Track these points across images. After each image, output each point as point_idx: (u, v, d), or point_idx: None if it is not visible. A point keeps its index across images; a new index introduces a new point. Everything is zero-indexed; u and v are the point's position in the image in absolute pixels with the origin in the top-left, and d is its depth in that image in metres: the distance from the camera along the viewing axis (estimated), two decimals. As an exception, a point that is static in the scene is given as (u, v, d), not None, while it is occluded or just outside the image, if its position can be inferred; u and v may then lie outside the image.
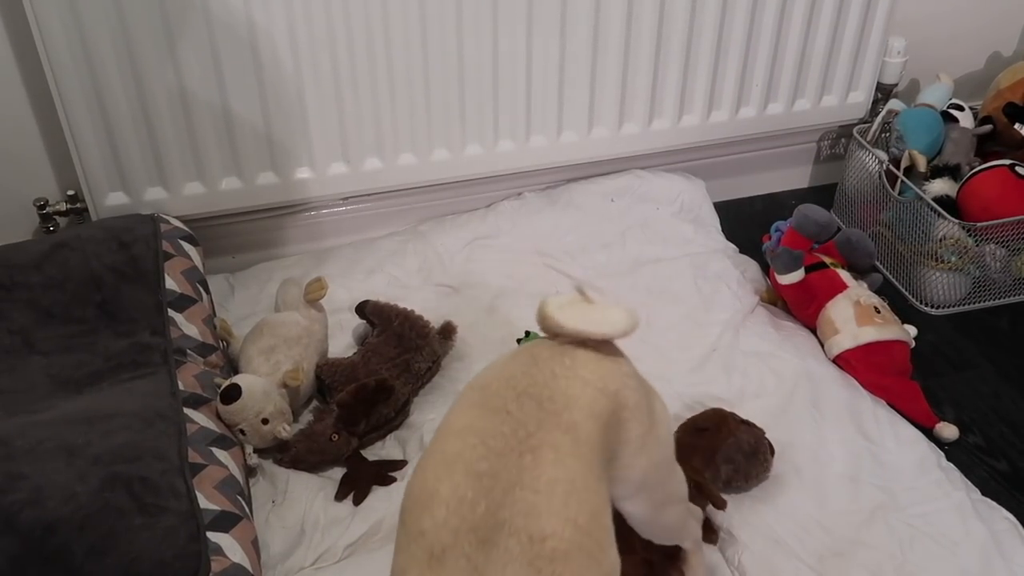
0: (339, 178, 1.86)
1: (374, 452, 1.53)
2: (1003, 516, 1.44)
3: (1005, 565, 1.35)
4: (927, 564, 1.35)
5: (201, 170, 1.77)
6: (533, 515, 0.91)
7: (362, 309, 1.70)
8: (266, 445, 1.47)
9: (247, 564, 1.22)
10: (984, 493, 1.49)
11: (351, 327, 1.74)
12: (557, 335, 1.04)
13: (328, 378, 1.58)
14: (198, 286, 1.63)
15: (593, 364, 1.03)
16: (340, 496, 1.45)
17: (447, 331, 1.69)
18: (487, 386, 1.02)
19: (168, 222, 1.70)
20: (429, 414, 1.58)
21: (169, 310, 1.54)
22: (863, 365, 1.69)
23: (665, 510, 1.16)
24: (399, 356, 1.60)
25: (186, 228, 1.72)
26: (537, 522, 0.91)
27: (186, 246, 1.67)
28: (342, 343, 1.72)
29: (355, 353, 1.64)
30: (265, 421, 1.44)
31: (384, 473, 1.48)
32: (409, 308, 1.67)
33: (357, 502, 1.44)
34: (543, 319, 1.06)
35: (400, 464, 1.50)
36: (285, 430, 1.45)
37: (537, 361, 1.02)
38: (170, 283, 1.57)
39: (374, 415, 1.51)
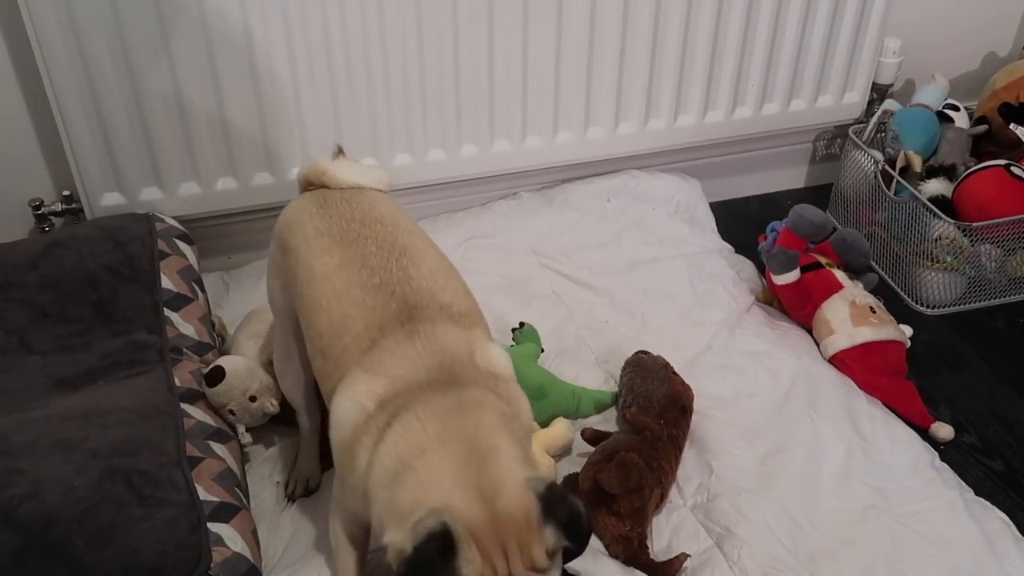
0: (335, 178, 1.86)
1: None
2: (996, 515, 1.44)
3: (997, 564, 1.35)
4: (918, 562, 1.35)
5: (196, 170, 1.77)
6: (432, 294, 1.16)
7: None
8: (257, 423, 1.48)
9: (247, 553, 1.22)
10: (979, 493, 1.49)
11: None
12: (338, 187, 1.31)
13: None
14: (194, 285, 1.63)
15: (381, 194, 1.35)
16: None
17: None
18: (326, 231, 1.24)
19: (163, 221, 1.70)
20: None
21: (165, 309, 1.54)
22: (859, 365, 1.69)
23: None
24: None
25: (181, 227, 1.72)
26: (438, 297, 1.16)
27: (181, 245, 1.67)
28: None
29: None
30: (253, 398, 1.45)
31: None
32: None
33: None
34: (319, 175, 1.32)
35: None
36: (273, 404, 1.47)
37: (348, 200, 1.29)
38: (166, 282, 1.58)
39: None
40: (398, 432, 1.02)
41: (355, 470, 1.06)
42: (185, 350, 1.50)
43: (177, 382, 1.42)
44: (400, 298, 1.15)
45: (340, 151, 1.44)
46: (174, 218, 1.74)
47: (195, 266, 1.68)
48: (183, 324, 1.55)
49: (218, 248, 1.91)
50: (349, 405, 1.08)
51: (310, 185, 1.35)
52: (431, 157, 1.90)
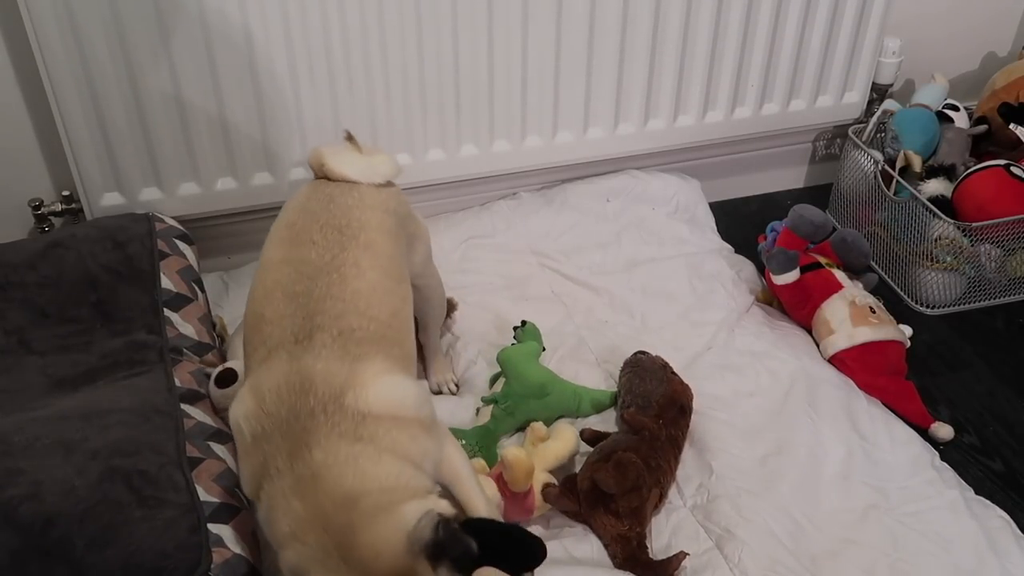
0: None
1: None
2: (997, 514, 1.44)
3: (998, 563, 1.35)
4: (920, 562, 1.35)
5: (196, 170, 1.77)
6: (340, 317, 1.14)
7: None
8: None
9: (247, 555, 1.22)
10: (979, 492, 1.50)
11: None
12: (335, 179, 1.31)
13: None
14: (193, 285, 1.63)
15: (375, 193, 1.31)
16: None
17: (447, 307, 1.71)
18: (293, 224, 1.25)
19: (163, 221, 1.70)
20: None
21: (165, 309, 1.54)
22: (858, 365, 1.69)
23: (437, 290, 1.55)
24: None
25: (181, 227, 1.72)
26: (343, 321, 1.14)
27: (181, 245, 1.67)
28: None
29: None
30: None
31: None
32: None
33: None
34: (320, 167, 1.32)
35: None
36: None
37: (333, 198, 1.27)
38: (165, 282, 1.58)
39: None
40: (269, 498, 1.04)
41: (243, 487, 1.11)
42: (185, 350, 1.50)
43: (177, 382, 1.42)
44: (308, 314, 1.14)
45: (349, 137, 1.43)
46: (174, 218, 1.74)
47: (195, 266, 1.67)
48: (183, 324, 1.54)
49: (218, 248, 1.91)
50: (233, 422, 1.12)
51: (316, 174, 1.35)
52: (431, 157, 1.90)
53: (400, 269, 1.28)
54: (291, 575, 1.01)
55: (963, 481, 1.51)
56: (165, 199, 1.77)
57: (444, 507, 1.04)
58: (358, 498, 1.01)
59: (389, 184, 1.37)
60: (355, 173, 1.33)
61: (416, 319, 1.54)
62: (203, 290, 1.67)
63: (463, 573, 0.99)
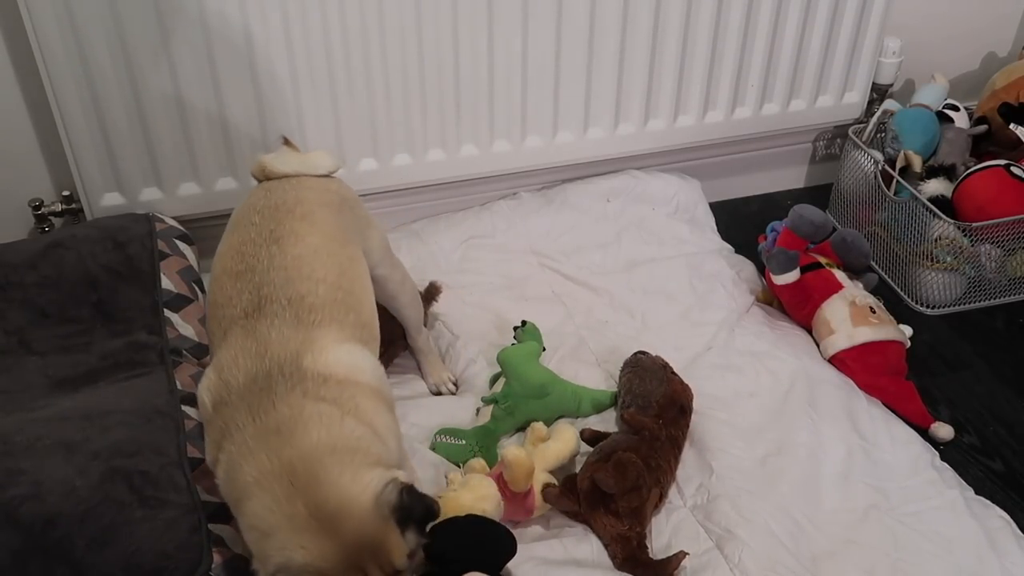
0: (335, 178, 1.87)
1: None
2: (997, 514, 1.45)
3: (999, 562, 1.36)
4: (920, 562, 1.35)
5: (196, 170, 1.77)
6: (287, 284, 1.16)
7: None
8: None
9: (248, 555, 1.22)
10: (979, 492, 1.50)
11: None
12: (277, 178, 1.33)
13: None
14: (194, 285, 1.63)
15: (314, 180, 1.35)
16: None
17: (431, 292, 1.72)
18: (234, 219, 1.29)
19: (163, 221, 1.70)
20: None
21: (165, 310, 1.54)
22: (859, 365, 1.69)
23: (405, 285, 1.53)
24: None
25: (181, 227, 1.72)
26: (291, 287, 1.15)
27: (181, 245, 1.67)
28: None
29: None
30: None
31: None
32: None
33: None
34: (261, 170, 1.35)
35: None
36: None
37: (270, 188, 1.31)
38: (166, 283, 1.58)
39: None
40: (229, 455, 1.04)
41: (207, 457, 1.11)
42: (184, 351, 1.50)
43: (178, 384, 1.42)
44: (255, 287, 1.16)
45: (286, 141, 1.48)
46: (174, 218, 1.74)
47: (195, 266, 1.67)
48: (183, 325, 1.55)
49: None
50: (198, 398, 1.14)
51: (259, 181, 1.39)
52: (431, 157, 1.90)
53: (344, 235, 1.30)
54: (254, 533, 1.00)
55: (963, 481, 1.51)
56: (165, 199, 1.77)
57: (405, 479, 1.04)
58: (324, 455, 1.00)
59: (330, 176, 1.41)
60: (293, 169, 1.37)
61: (398, 323, 1.58)
62: (203, 290, 1.67)
63: (426, 536, 1.02)
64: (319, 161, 1.41)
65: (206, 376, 1.14)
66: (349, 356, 1.13)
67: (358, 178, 1.87)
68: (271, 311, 1.14)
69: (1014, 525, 1.43)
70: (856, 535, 1.39)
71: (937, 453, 1.56)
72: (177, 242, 1.68)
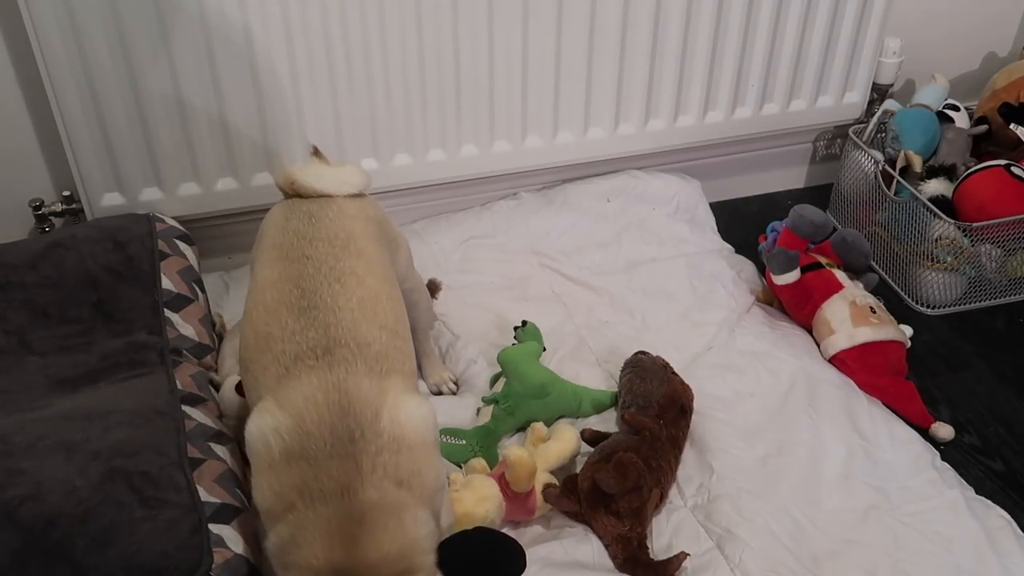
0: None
1: None
2: (998, 514, 1.45)
3: (999, 562, 1.36)
4: (921, 562, 1.35)
5: (197, 170, 1.77)
6: (354, 328, 1.14)
7: None
8: None
9: (249, 555, 1.22)
10: (979, 492, 1.50)
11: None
12: (308, 195, 1.32)
13: None
14: (194, 285, 1.63)
15: (352, 203, 1.33)
16: None
17: (431, 289, 1.73)
18: (280, 245, 1.25)
19: (164, 221, 1.70)
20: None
21: (165, 310, 1.54)
22: (859, 365, 1.69)
23: (423, 293, 1.59)
24: None
25: (181, 227, 1.72)
26: (358, 332, 1.14)
27: (182, 245, 1.67)
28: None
29: None
30: None
31: None
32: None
33: None
34: (289, 183, 1.32)
35: None
36: None
37: (312, 214, 1.28)
38: (166, 283, 1.57)
39: None
40: (300, 524, 1.02)
41: (258, 500, 1.08)
42: (185, 351, 1.50)
43: (178, 385, 1.42)
44: (323, 327, 1.14)
45: (316, 152, 1.45)
46: (174, 218, 1.74)
47: (195, 266, 1.67)
48: (183, 325, 1.54)
49: (218, 248, 1.90)
50: (258, 435, 1.08)
51: (285, 193, 1.35)
52: (431, 157, 1.90)
53: (391, 274, 1.30)
54: None
55: (964, 481, 1.51)
56: (165, 199, 1.77)
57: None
58: (395, 559, 1.01)
59: (361, 194, 1.39)
60: (328, 186, 1.34)
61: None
62: (203, 290, 1.67)
63: None
64: (352, 179, 1.38)
65: (270, 413, 1.09)
66: (418, 411, 1.12)
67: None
68: (342, 356, 1.11)
69: (1015, 525, 1.43)
70: (857, 535, 1.39)
71: (938, 453, 1.56)
72: (177, 242, 1.67)
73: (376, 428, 1.06)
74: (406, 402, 1.11)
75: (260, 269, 1.25)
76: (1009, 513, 1.46)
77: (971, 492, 1.49)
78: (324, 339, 1.12)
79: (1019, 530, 1.42)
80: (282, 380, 1.11)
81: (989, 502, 1.47)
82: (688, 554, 1.33)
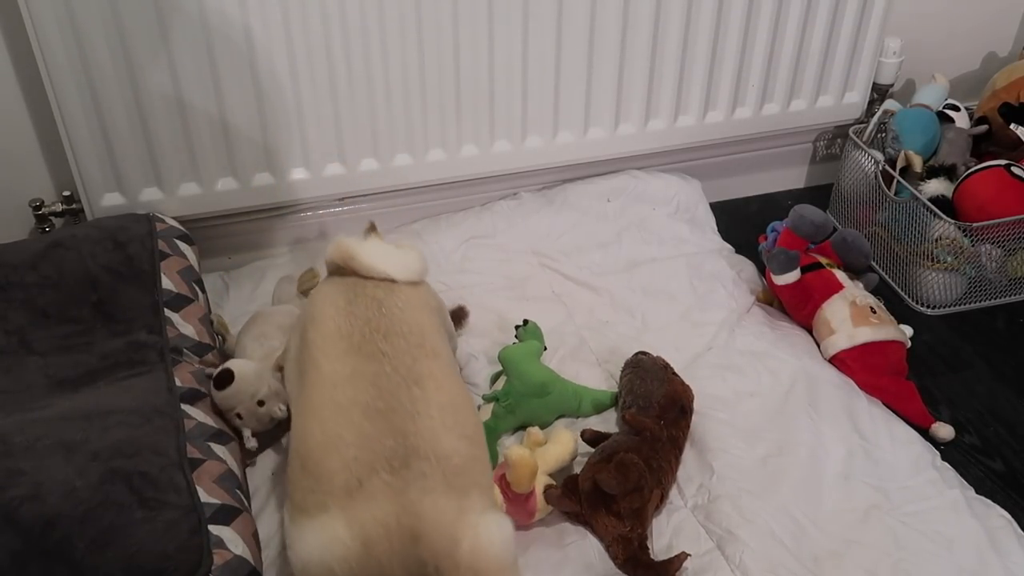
0: (335, 179, 1.86)
1: None
2: (998, 514, 1.44)
3: (1000, 562, 1.35)
4: (922, 562, 1.35)
5: (197, 171, 1.77)
6: (435, 438, 1.06)
7: None
8: (264, 427, 1.47)
9: (248, 556, 1.22)
10: (979, 492, 1.49)
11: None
12: (365, 275, 1.21)
13: None
14: (194, 285, 1.63)
15: (418, 293, 1.24)
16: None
17: (459, 316, 1.70)
18: (349, 333, 1.15)
19: (164, 221, 1.70)
20: None
21: (165, 309, 1.54)
22: (859, 365, 1.69)
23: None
24: None
25: (182, 227, 1.72)
26: (439, 443, 1.06)
27: (182, 245, 1.67)
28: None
29: None
30: (261, 403, 1.44)
31: None
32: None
33: None
34: (346, 259, 1.22)
35: None
36: (281, 410, 1.45)
37: (381, 302, 1.19)
38: (166, 282, 1.57)
39: None
40: None
41: None
42: (185, 351, 1.50)
43: (178, 383, 1.42)
44: (400, 434, 1.05)
45: (372, 228, 1.36)
46: (174, 218, 1.74)
47: (195, 266, 1.67)
48: (183, 324, 1.54)
49: (218, 248, 1.90)
50: (319, 559, 1.00)
51: (338, 269, 1.24)
52: (431, 157, 1.90)
53: (459, 371, 1.23)
54: None
55: (964, 481, 1.50)
56: (165, 199, 1.77)
57: None
58: None
59: (421, 281, 1.29)
60: (392, 270, 1.23)
61: None
62: (204, 290, 1.67)
63: None
64: (416, 264, 1.28)
65: (337, 538, 1.00)
66: (499, 534, 1.06)
67: (359, 178, 1.88)
68: (419, 469, 1.03)
69: (1015, 525, 1.43)
70: (857, 535, 1.39)
71: (938, 453, 1.56)
72: (177, 242, 1.67)
73: (454, 559, 0.99)
74: (487, 525, 1.04)
75: (326, 360, 1.13)
76: (1009, 513, 1.46)
77: (971, 492, 1.48)
78: (402, 449, 1.04)
79: (1020, 530, 1.42)
80: (354, 494, 1.01)
81: (989, 502, 1.47)
82: (689, 555, 1.33)
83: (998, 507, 1.46)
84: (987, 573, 1.34)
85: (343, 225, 1.98)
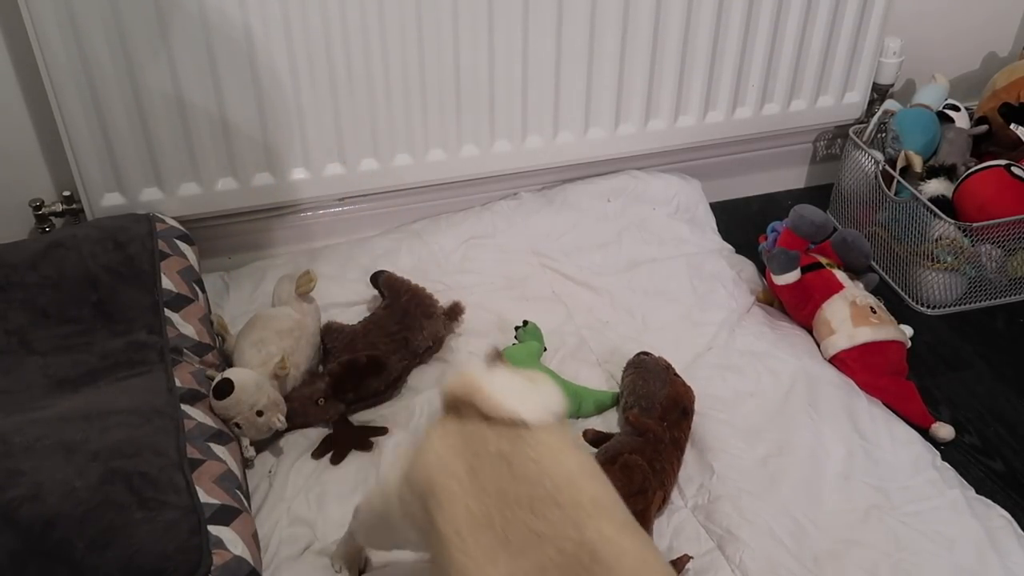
0: (335, 179, 1.87)
1: (362, 418, 1.57)
2: (998, 514, 1.44)
3: (1000, 562, 1.35)
4: (922, 562, 1.35)
5: (197, 171, 1.77)
6: None
7: (376, 279, 1.74)
8: (262, 436, 1.47)
9: (248, 556, 1.22)
10: (979, 492, 1.49)
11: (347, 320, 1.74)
12: (497, 417, 0.93)
13: (329, 342, 1.63)
14: (194, 285, 1.63)
15: (552, 434, 0.95)
16: (317, 455, 1.49)
17: (454, 312, 1.71)
18: (484, 516, 0.90)
19: (164, 221, 1.70)
20: (423, 390, 1.62)
21: (165, 310, 1.54)
22: (859, 365, 1.69)
23: None
24: (399, 332, 1.62)
25: (182, 227, 1.72)
26: None
27: (182, 245, 1.67)
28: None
29: (360, 322, 1.67)
30: (260, 413, 1.44)
31: (365, 438, 1.51)
32: (422, 286, 1.70)
33: (335, 462, 1.48)
34: (473, 394, 0.95)
35: (382, 431, 1.52)
36: (280, 420, 1.45)
37: (511, 462, 0.92)
38: (166, 282, 1.58)
39: (363, 388, 1.55)
40: None
41: None
42: (185, 351, 1.50)
43: (178, 383, 1.42)
44: None
45: (498, 355, 1.24)
46: (174, 218, 1.74)
47: (195, 267, 1.67)
48: (183, 324, 1.54)
49: (218, 248, 1.90)
50: None
51: (455, 406, 0.98)
52: (431, 157, 1.90)
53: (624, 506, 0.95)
54: None
55: (964, 481, 1.51)
56: (165, 199, 1.77)
57: None
58: None
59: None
60: (526, 411, 0.94)
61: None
62: (204, 290, 1.67)
63: None
64: (552, 403, 0.97)
65: None
66: None
67: (359, 178, 1.88)
68: None
69: (1015, 524, 1.43)
70: (858, 535, 1.39)
71: (938, 453, 1.56)
72: (178, 242, 1.67)
73: None
74: None
75: (468, 560, 0.88)
76: (1010, 513, 1.46)
77: (972, 492, 1.48)
78: None
79: (1020, 530, 1.42)
80: None
81: (990, 502, 1.47)
82: (691, 557, 1.33)
83: (998, 507, 1.46)
84: (987, 573, 1.34)
85: (342, 225, 1.99)
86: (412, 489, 0.99)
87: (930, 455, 1.54)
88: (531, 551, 0.87)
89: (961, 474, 1.52)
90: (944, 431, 1.62)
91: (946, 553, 1.36)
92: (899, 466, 1.50)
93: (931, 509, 1.43)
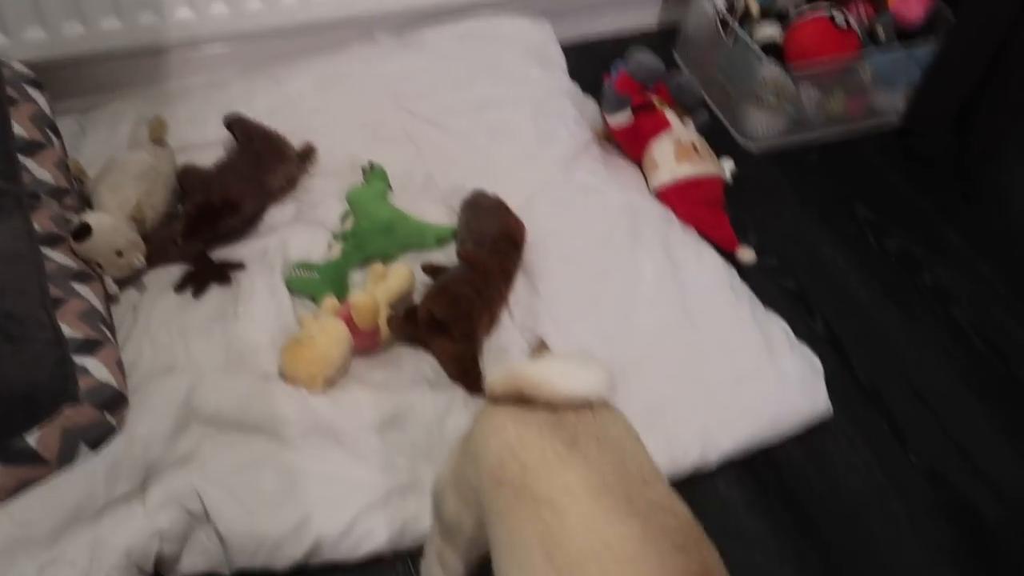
0: (186, 22, 1.87)
1: (220, 255, 1.66)
2: (778, 325, 1.68)
3: (772, 364, 1.60)
4: (709, 368, 1.59)
5: (42, 15, 1.74)
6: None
7: (231, 123, 1.79)
8: (124, 275, 1.57)
9: (113, 382, 1.36)
10: (770, 307, 1.72)
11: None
12: (559, 403, 0.92)
13: (186, 185, 1.70)
14: (47, 131, 1.66)
15: (610, 412, 0.95)
16: (179, 289, 1.60)
17: (306, 154, 1.80)
18: (607, 486, 0.86)
19: (10, 67, 1.70)
20: (278, 228, 1.71)
21: (19, 155, 1.57)
22: (679, 198, 1.87)
23: None
24: (254, 175, 1.70)
25: (30, 72, 1.72)
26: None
27: (31, 91, 1.69)
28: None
29: (215, 164, 1.74)
30: (120, 254, 1.53)
31: (224, 272, 1.62)
32: (274, 129, 1.77)
33: (196, 295, 1.59)
34: (532, 388, 0.92)
35: (239, 266, 1.63)
36: (140, 260, 1.56)
37: (600, 441, 0.90)
38: (18, 129, 1.60)
39: (220, 227, 1.65)
40: None
41: None
42: (42, 195, 1.56)
43: (37, 227, 1.48)
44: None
45: (543, 345, 1.26)
46: (22, 62, 1.74)
47: (48, 112, 1.70)
48: (38, 169, 1.59)
49: (71, 91, 1.90)
50: None
51: (508, 400, 0.95)
52: (286, 1, 1.91)
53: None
54: None
55: (755, 298, 1.73)
56: (11, 44, 1.76)
57: None
58: None
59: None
60: (587, 385, 0.93)
61: None
62: (59, 135, 1.70)
63: None
64: (599, 378, 0.95)
65: None
66: None
67: (211, 21, 1.88)
68: None
69: (791, 333, 1.67)
70: (658, 347, 1.60)
71: (736, 274, 1.77)
72: (27, 87, 1.69)
73: None
74: None
75: (592, 515, 0.84)
76: (793, 324, 1.69)
77: (760, 306, 1.71)
78: None
79: (794, 338, 1.67)
80: None
81: (774, 314, 1.70)
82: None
83: (780, 319, 1.69)
84: (760, 374, 1.58)
85: (198, 68, 2.00)
86: (489, 478, 0.93)
87: (729, 276, 1.75)
88: (653, 517, 0.85)
89: (758, 292, 1.74)
90: (747, 255, 1.83)
91: (727, 359, 1.60)
92: (701, 287, 1.71)
93: (721, 323, 1.65)
